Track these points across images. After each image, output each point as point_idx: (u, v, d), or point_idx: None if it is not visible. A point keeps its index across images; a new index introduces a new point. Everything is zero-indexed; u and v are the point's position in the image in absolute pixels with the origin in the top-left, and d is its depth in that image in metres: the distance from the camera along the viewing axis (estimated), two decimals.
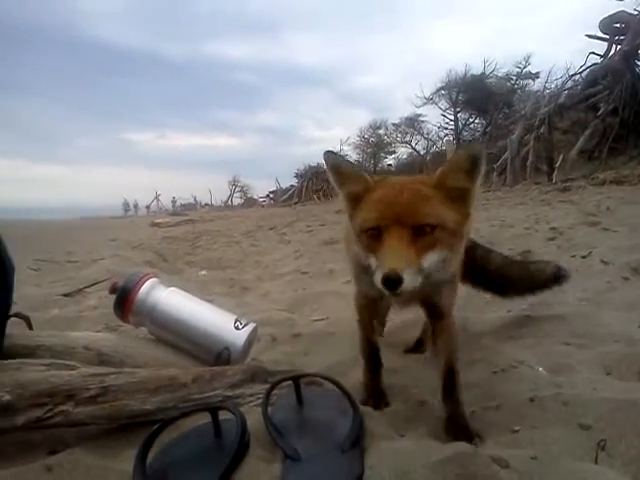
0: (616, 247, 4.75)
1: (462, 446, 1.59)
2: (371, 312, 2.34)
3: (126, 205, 41.89)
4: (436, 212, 1.68)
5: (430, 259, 1.67)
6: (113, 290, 2.45)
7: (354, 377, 2.29)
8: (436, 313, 2.07)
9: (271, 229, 11.96)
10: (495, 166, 20.13)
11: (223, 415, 1.74)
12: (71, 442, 1.77)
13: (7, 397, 1.73)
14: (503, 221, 8.24)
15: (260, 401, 1.85)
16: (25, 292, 4.60)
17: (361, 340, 2.34)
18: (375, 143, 35.45)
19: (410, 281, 1.56)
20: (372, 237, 1.71)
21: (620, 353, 2.22)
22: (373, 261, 1.70)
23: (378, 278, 1.58)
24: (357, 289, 2.29)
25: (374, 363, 2.27)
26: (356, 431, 1.62)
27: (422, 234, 1.66)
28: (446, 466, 1.43)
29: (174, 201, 42.19)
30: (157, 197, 41.43)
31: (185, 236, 10.83)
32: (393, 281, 1.54)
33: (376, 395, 2.12)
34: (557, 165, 17.12)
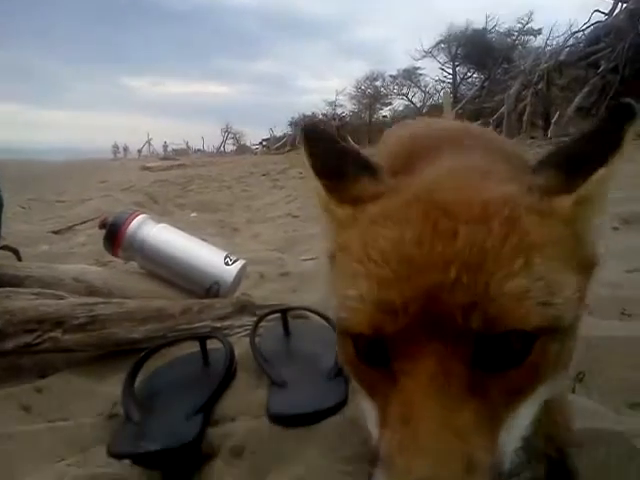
0: (616, 198, 4.76)
1: None
2: None
3: (115, 148, 41.24)
4: (547, 292, 0.63)
5: (520, 422, 0.66)
6: (103, 225, 2.45)
7: None
8: None
9: (263, 175, 11.89)
10: (491, 120, 19.98)
11: (211, 345, 1.77)
12: (60, 367, 1.80)
13: None
14: None
15: (248, 332, 1.88)
16: (14, 228, 4.58)
17: None
18: (371, 94, 34.90)
19: None
20: (367, 355, 0.68)
21: (605, 296, 2.25)
22: (371, 414, 0.69)
23: None
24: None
25: None
26: None
27: (505, 361, 0.63)
28: None
29: (166, 146, 41.74)
30: (149, 141, 40.94)
31: (176, 180, 10.75)
32: None
33: None
34: (553, 121, 17.00)
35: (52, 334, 1.80)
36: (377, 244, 0.67)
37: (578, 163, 0.72)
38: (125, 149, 41.52)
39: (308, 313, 2.03)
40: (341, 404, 1.48)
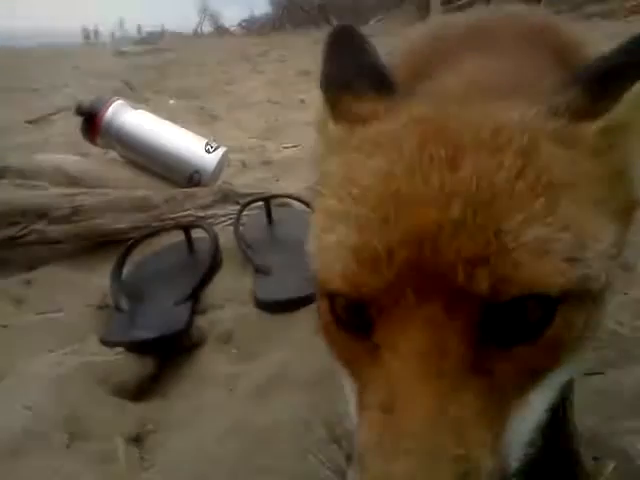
0: None
1: None
2: None
3: (85, 32, 39.18)
4: (575, 244, 0.47)
5: (531, 412, 0.51)
6: (79, 111, 2.38)
7: None
8: None
9: (243, 59, 11.50)
10: None
11: (196, 234, 1.78)
12: (48, 259, 1.81)
13: None
14: None
15: (232, 221, 1.89)
16: None
17: None
18: None
19: None
20: (345, 320, 0.53)
21: None
22: (351, 395, 0.55)
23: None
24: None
25: None
26: None
27: (517, 335, 0.47)
28: None
29: (139, 28, 39.97)
30: (122, 23, 39.15)
31: (153, 65, 10.36)
32: None
33: None
34: None
35: (37, 226, 1.80)
36: (359, 176, 0.53)
37: (610, 79, 0.55)
38: (96, 32, 39.52)
39: (291, 201, 2.03)
40: None
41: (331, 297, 0.53)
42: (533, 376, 0.49)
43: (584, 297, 0.49)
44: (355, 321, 0.51)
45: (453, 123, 0.54)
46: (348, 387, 0.55)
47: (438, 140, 0.51)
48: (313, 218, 0.59)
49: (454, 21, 1.05)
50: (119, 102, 2.42)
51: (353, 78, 0.66)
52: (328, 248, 0.52)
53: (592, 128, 0.54)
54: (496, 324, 0.46)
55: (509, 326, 0.46)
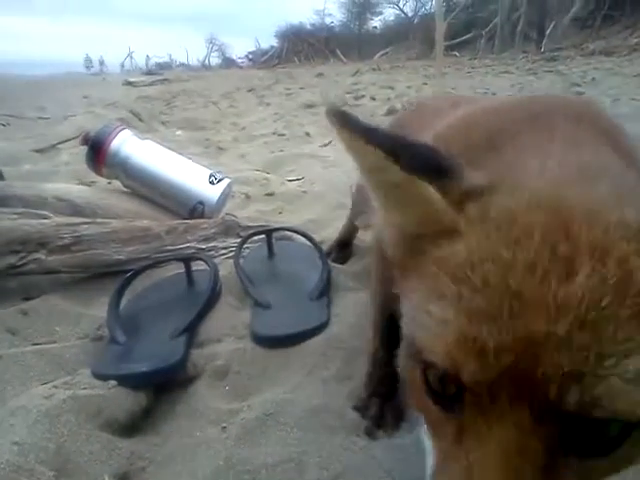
0: None
1: None
2: None
3: (88, 61, 39.26)
4: None
5: None
6: (85, 141, 2.39)
7: (326, 233, 2.32)
8: None
9: (250, 91, 11.62)
10: (484, 32, 19.50)
11: (196, 266, 1.78)
12: (45, 289, 1.80)
13: None
14: (487, 90, 8.10)
15: (232, 254, 1.88)
16: None
17: (378, 310, 1.30)
18: (361, 3, 33.86)
19: None
20: (436, 394, 0.56)
21: None
22: (430, 452, 0.60)
23: None
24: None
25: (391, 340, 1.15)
26: (324, 282, 1.67)
27: (592, 449, 0.50)
28: None
29: (147, 59, 40.42)
30: (130, 54, 39.67)
31: (160, 96, 10.49)
32: None
33: (386, 391, 1.25)
34: (548, 33, 16.59)
35: (36, 255, 1.79)
36: (480, 262, 0.52)
37: None
38: (101, 62, 39.80)
39: (292, 234, 2.03)
40: (324, 325, 1.51)
41: (426, 365, 0.54)
42: None
43: None
44: (446, 397, 0.53)
45: (575, 213, 0.52)
46: (428, 445, 0.58)
47: (560, 233, 0.50)
48: (415, 282, 0.58)
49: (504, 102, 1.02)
50: (125, 132, 2.43)
51: (439, 159, 0.59)
52: (435, 319, 0.52)
53: None
54: (576, 436, 0.48)
55: (588, 440, 0.48)
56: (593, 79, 8.05)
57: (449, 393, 0.53)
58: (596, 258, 0.48)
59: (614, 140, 0.82)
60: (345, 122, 0.59)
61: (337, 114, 0.59)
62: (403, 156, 0.57)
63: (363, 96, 8.28)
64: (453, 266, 0.54)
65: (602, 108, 0.92)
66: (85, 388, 1.23)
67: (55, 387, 1.24)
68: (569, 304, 0.46)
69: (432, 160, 0.59)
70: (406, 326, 0.58)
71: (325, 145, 4.81)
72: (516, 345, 0.47)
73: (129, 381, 1.27)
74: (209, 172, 2.43)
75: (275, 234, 1.96)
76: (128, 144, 2.39)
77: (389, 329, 1.23)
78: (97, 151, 2.36)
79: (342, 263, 2.05)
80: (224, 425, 1.20)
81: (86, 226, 1.89)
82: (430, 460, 0.58)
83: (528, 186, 0.58)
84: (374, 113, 6.26)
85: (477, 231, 0.55)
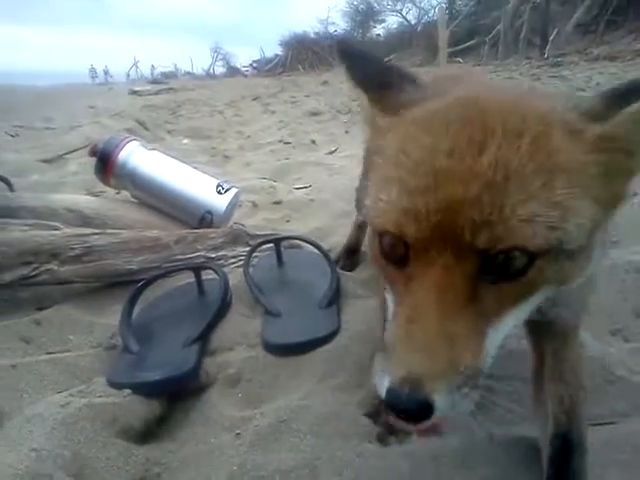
0: None
1: None
2: None
3: (93, 72, 39.20)
4: (559, 216, 0.66)
5: (504, 327, 0.73)
6: (93, 152, 2.42)
7: (333, 241, 2.34)
8: (551, 332, 1.06)
9: (255, 99, 11.66)
10: (487, 39, 19.49)
11: (206, 275, 1.80)
12: (58, 299, 1.83)
13: None
14: None
15: (242, 262, 1.90)
16: (3, 158, 4.52)
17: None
18: (364, 11, 33.95)
19: (447, 404, 0.65)
20: (390, 254, 0.74)
21: None
22: (390, 303, 0.79)
23: (382, 382, 0.67)
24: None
25: None
26: (333, 290, 1.68)
27: (505, 272, 0.68)
28: None
29: (152, 69, 40.53)
30: (136, 64, 39.81)
31: (166, 105, 10.54)
32: (405, 404, 0.63)
33: None
34: (551, 39, 16.58)
35: (48, 266, 1.81)
36: (411, 151, 0.71)
37: (623, 94, 0.71)
38: (106, 73, 39.79)
39: (301, 242, 2.05)
40: (334, 333, 1.52)
41: (381, 235, 0.74)
42: (508, 305, 0.71)
43: (558, 253, 0.67)
44: (396, 256, 0.73)
45: (490, 107, 0.72)
46: (390, 298, 0.78)
47: (475, 123, 0.69)
48: (372, 178, 0.78)
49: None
50: (133, 143, 2.45)
51: (388, 77, 0.86)
52: (384, 201, 0.71)
53: (595, 129, 0.70)
54: (489, 268, 0.67)
55: (499, 270, 0.67)
56: (597, 84, 8.04)
57: (398, 253, 0.72)
58: (505, 138, 0.66)
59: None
60: (344, 55, 0.87)
61: (342, 48, 0.88)
62: (358, 73, 0.86)
63: None
64: (391, 154, 0.74)
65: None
66: (100, 396, 1.26)
67: (71, 395, 1.26)
68: (478, 173, 0.65)
69: (376, 76, 0.85)
70: (368, 209, 0.76)
71: (331, 153, 4.83)
72: (441, 208, 0.65)
73: (143, 389, 1.29)
74: (217, 182, 2.46)
75: (284, 242, 1.98)
76: (135, 155, 2.42)
77: None
78: (105, 162, 2.39)
79: (351, 270, 2.06)
80: (238, 432, 1.22)
81: (97, 237, 1.92)
82: (391, 307, 0.78)
83: (455, 93, 0.80)
84: None
85: (407, 126, 0.75)
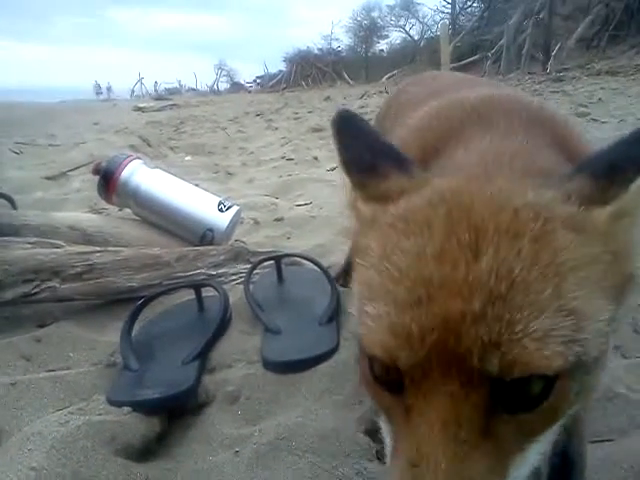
0: (604, 138, 4.74)
1: None
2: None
3: (97, 87, 39.47)
4: (575, 327, 0.56)
5: (530, 458, 0.62)
6: (97, 171, 2.44)
7: (334, 258, 2.35)
8: None
9: (258, 115, 11.75)
10: (490, 54, 19.60)
11: (206, 293, 1.80)
12: (59, 316, 1.84)
13: None
14: None
15: (242, 280, 1.91)
16: (8, 175, 4.56)
17: None
18: (368, 26, 34.19)
19: None
20: (382, 378, 0.64)
21: None
22: (387, 432, 0.67)
23: None
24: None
25: None
26: (333, 307, 1.69)
27: (521, 405, 0.57)
28: None
29: (156, 85, 40.71)
30: (140, 80, 40.03)
31: (169, 121, 10.63)
32: None
33: None
34: (554, 54, 16.65)
35: (50, 283, 1.82)
36: (395, 255, 0.61)
37: (617, 170, 0.63)
38: (108, 89, 40.00)
39: (301, 260, 2.06)
40: (333, 350, 1.53)
41: (371, 358, 0.62)
42: (530, 436, 0.58)
43: (578, 370, 0.57)
44: (390, 381, 0.61)
45: (477, 203, 0.61)
46: (385, 428, 0.66)
47: (462, 222, 0.59)
48: (355, 285, 0.68)
49: (461, 100, 1.11)
50: (135, 161, 2.47)
51: (375, 160, 0.74)
52: (370, 317, 0.60)
53: (603, 214, 0.61)
54: (504, 397, 0.55)
55: (514, 398, 0.55)
56: (599, 99, 8.09)
57: (392, 379, 0.60)
58: (501, 239, 0.56)
59: (552, 135, 0.95)
60: (338, 130, 0.78)
61: (336, 123, 0.79)
62: (346, 152, 0.77)
63: (371, 120, 8.31)
64: (374, 258, 0.64)
65: (555, 111, 1.06)
66: (100, 414, 1.26)
67: (70, 413, 1.26)
68: (479, 282, 0.54)
69: (364, 157, 0.75)
70: (355, 326, 0.66)
71: (333, 169, 4.85)
72: (437, 326, 0.55)
73: (143, 407, 1.29)
74: (218, 199, 2.47)
75: (284, 259, 1.99)
76: (138, 173, 2.44)
77: None
78: (108, 181, 2.41)
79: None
80: (237, 450, 1.22)
81: (98, 254, 1.93)
82: (388, 441, 0.65)
83: (436, 184, 0.69)
84: None
85: (389, 224, 0.65)
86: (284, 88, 29.70)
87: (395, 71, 25.06)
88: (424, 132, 1.05)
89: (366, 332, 0.61)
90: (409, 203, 0.66)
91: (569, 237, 0.59)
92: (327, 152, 5.83)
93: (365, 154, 0.75)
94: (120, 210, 2.85)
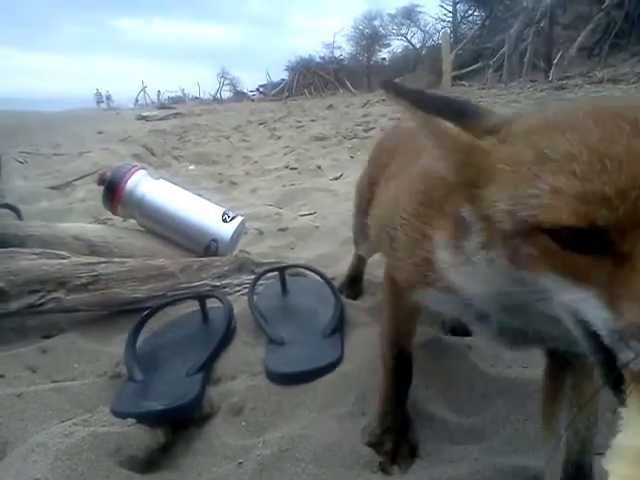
0: None
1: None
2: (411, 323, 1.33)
3: (99, 96, 39.57)
4: None
5: None
6: (101, 181, 2.45)
7: (337, 269, 2.36)
8: (576, 365, 1.03)
9: (261, 124, 11.79)
10: (491, 62, 19.65)
11: (211, 304, 1.81)
12: (64, 327, 1.85)
13: (0, 284, 1.78)
14: None
15: (246, 291, 1.92)
16: (13, 184, 4.58)
17: (388, 350, 1.33)
18: (369, 35, 34.29)
19: None
20: (577, 247, 0.66)
21: None
22: (583, 302, 0.68)
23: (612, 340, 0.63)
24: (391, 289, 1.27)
25: (402, 380, 1.32)
26: (337, 318, 1.70)
27: None
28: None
29: (159, 94, 40.80)
30: (144, 89, 40.15)
31: (173, 130, 10.65)
32: None
33: (399, 427, 1.30)
34: (555, 62, 16.68)
35: (55, 294, 1.83)
36: (558, 147, 0.66)
37: None
38: (108, 97, 40.07)
39: (306, 271, 2.07)
40: (337, 361, 1.54)
41: (552, 231, 0.65)
42: None
43: None
44: (586, 243, 0.64)
45: (619, 111, 0.68)
46: (577, 297, 0.67)
47: (616, 121, 0.65)
48: (491, 192, 0.73)
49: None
50: (140, 172, 2.49)
51: (454, 106, 0.81)
52: (544, 196, 0.65)
53: None
54: None
55: None
56: None
57: (588, 242, 0.64)
58: None
59: None
60: (398, 93, 0.82)
61: (391, 88, 0.83)
62: (427, 105, 0.80)
63: (373, 128, 8.35)
64: (528, 160, 0.69)
65: None
66: (104, 425, 1.26)
67: (75, 424, 1.27)
68: None
69: (447, 106, 0.80)
70: (506, 216, 0.70)
71: (336, 178, 4.86)
72: (632, 185, 0.60)
73: (147, 419, 1.30)
74: (222, 210, 2.48)
75: (288, 270, 2.00)
76: (143, 184, 2.45)
77: (399, 369, 1.31)
78: (113, 192, 2.42)
79: (354, 298, 2.08)
80: (240, 461, 1.22)
81: (104, 265, 1.94)
82: (587, 306, 0.67)
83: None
84: None
85: (536, 133, 0.71)
86: (287, 97, 29.78)
87: (397, 79, 25.14)
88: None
89: (544, 208, 0.64)
90: (550, 115, 0.75)
91: None
92: (330, 161, 5.85)
93: (445, 103, 0.81)
94: (124, 221, 2.86)
